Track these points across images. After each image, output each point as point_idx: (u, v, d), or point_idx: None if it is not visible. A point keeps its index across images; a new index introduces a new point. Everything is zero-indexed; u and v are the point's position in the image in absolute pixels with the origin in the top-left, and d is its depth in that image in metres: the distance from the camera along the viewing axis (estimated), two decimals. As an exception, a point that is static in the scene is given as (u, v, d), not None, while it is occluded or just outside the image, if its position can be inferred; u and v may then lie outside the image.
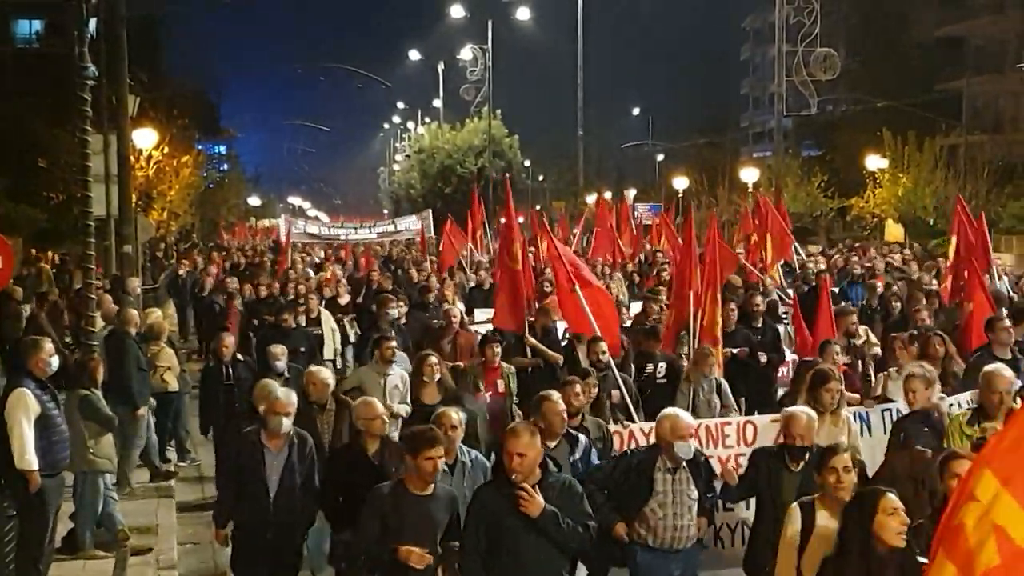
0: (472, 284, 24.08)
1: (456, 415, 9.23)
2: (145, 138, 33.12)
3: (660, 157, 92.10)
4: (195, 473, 16.17)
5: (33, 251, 37.85)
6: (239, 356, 14.96)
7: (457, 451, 9.12)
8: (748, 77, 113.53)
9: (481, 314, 19.78)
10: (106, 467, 12.44)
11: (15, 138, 42.92)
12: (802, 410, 9.28)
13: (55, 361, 11.10)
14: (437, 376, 12.75)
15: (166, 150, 40.13)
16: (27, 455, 10.49)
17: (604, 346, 13.07)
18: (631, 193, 69.59)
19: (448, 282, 22.62)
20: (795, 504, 7.66)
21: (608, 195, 77.42)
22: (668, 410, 9.44)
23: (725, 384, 13.31)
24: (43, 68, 47.80)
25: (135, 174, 31.26)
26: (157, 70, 55.18)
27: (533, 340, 15.22)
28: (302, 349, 16.29)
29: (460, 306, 19.76)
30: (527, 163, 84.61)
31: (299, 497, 9.47)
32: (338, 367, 20.47)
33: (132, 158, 28.80)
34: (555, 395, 9.86)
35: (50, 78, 43.06)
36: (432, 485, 8.12)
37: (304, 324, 18.06)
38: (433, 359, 12.84)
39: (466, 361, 15.15)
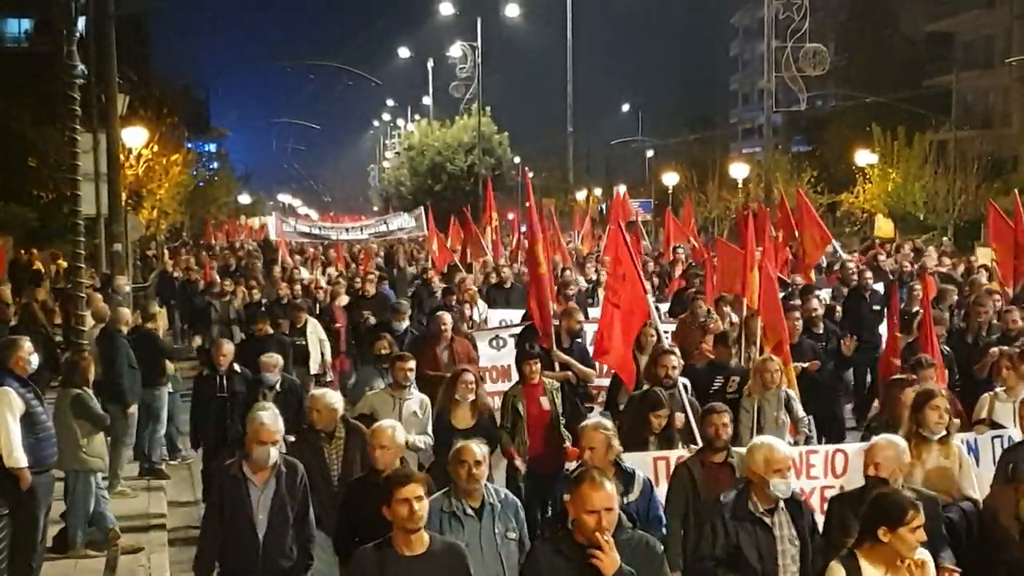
0: (486, 283, 22.39)
1: (479, 449, 7.88)
2: (135, 136, 33.01)
3: (650, 153, 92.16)
4: (187, 472, 16.15)
5: (31, 250, 37.73)
6: (235, 367, 13.75)
7: (483, 491, 7.83)
8: (737, 73, 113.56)
9: (501, 315, 18.74)
10: (98, 466, 12.45)
11: (4, 137, 42.90)
12: (888, 438, 8.10)
13: (35, 359, 11.18)
14: (471, 396, 11.30)
15: (156, 148, 40.01)
16: (15, 453, 10.52)
17: (674, 360, 11.43)
18: (621, 189, 69.65)
19: (468, 283, 20.96)
20: (836, 562, 6.69)
21: (598, 192, 77.68)
22: (762, 438, 8.17)
23: (794, 396, 11.66)
24: (32, 67, 47.70)
25: (125, 172, 31.20)
26: (146, 69, 55.14)
27: (563, 355, 13.72)
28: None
29: (483, 306, 18.97)
30: (517, 160, 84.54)
31: (292, 537, 8.42)
32: (324, 380, 20.16)
33: (121, 156, 28.76)
34: (591, 424, 8.60)
35: (39, 77, 43.00)
36: (425, 540, 6.76)
37: (287, 333, 17.23)
38: (469, 376, 11.38)
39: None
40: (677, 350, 11.91)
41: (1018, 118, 60.25)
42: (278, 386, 12.62)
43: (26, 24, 62.67)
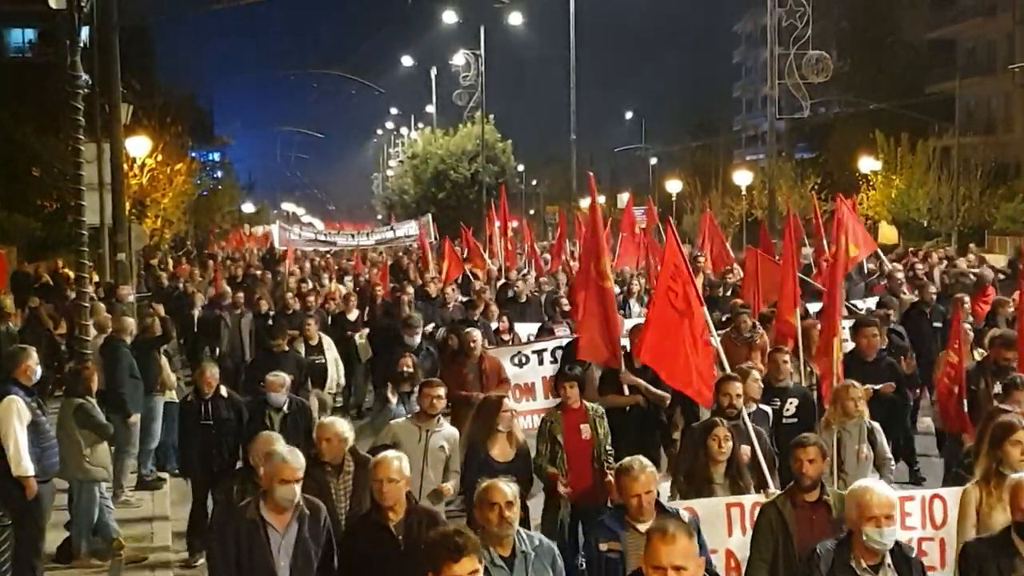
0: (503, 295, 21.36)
1: (509, 488, 7.06)
2: (138, 146, 33.06)
3: (653, 161, 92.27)
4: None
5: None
6: (222, 391, 12.76)
7: (515, 538, 7.01)
8: (740, 80, 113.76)
9: (525, 331, 17.84)
10: (101, 475, 12.46)
11: (7, 147, 42.97)
12: None
13: (40, 369, 11.26)
14: (511, 427, 10.23)
15: (159, 158, 40.12)
16: (23, 461, 10.61)
17: (739, 387, 10.04)
18: (624, 196, 69.62)
19: (486, 296, 20.07)
20: None
21: (602, 199, 77.72)
22: (862, 482, 7.30)
23: (879, 430, 10.30)
24: (36, 77, 47.79)
25: (129, 182, 31.24)
26: (149, 78, 55.22)
27: (632, 376, 12.32)
28: (291, 378, 13.78)
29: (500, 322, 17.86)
30: (520, 168, 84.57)
31: None
32: (338, 402, 19.25)
33: (125, 166, 28.79)
34: (636, 465, 7.62)
35: (43, 87, 43.07)
36: None
37: (303, 351, 16.46)
38: (509, 403, 10.34)
39: (494, 389, 13.02)
40: (738, 377, 10.40)
41: (1021, 124, 60.25)
42: (285, 408, 11.80)
43: (30, 34, 62.83)
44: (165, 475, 15.98)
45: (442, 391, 10.41)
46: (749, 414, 10.24)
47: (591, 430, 10.80)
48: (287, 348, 15.61)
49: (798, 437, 8.45)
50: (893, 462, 10.39)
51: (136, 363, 15.20)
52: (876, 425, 10.30)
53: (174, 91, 57.15)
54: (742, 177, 55.96)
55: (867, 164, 52.24)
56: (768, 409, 11.03)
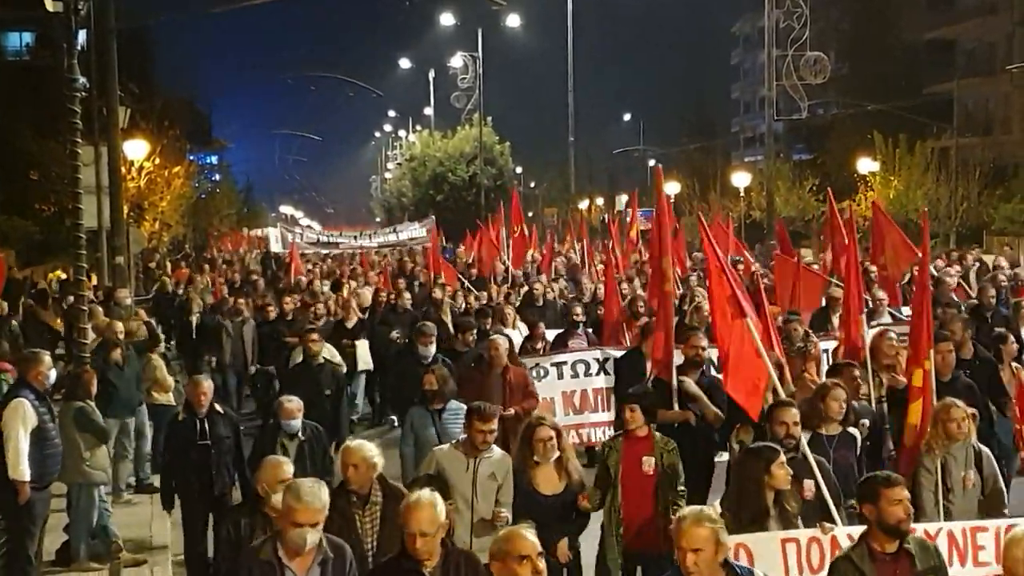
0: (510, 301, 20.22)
1: (535, 538, 6.33)
2: (136, 149, 33.11)
3: (652, 162, 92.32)
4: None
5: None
6: (217, 407, 11.72)
7: None
8: (739, 82, 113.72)
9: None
10: (101, 479, 12.46)
11: (5, 151, 43.03)
12: None
13: (53, 374, 11.31)
14: (555, 453, 9.13)
15: (157, 161, 40.12)
16: (20, 466, 10.65)
17: (796, 414, 8.90)
18: (623, 199, 69.61)
19: (505, 301, 19.21)
20: None
21: (600, 201, 77.83)
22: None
23: (988, 454, 9.15)
24: (33, 80, 47.87)
25: (126, 185, 31.29)
26: (147, 81, 55.22)
27: (694, 387, 11.16)
28: (328, 392, 13.53)
29: (523, 328, 16.88)
30: (519, 170, 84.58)
31: None
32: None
33: (123, 169, 28.81)
34: (691, 516, 6.41)
35: (40, 90, 43.15)
36: None
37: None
38: (546, 431, 9.14)
39: (519, 404, 12.32)
40: (794, 403, 9.28)
41: (1019, 125, 60.19)
42: (300, 434, 10.72)
43: (27, 37, 62.78)
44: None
45: (493, 426, 9.10)
46: (833, 437, 9.43)
47: (657, 464, 9.45)
48: (322, 360, 14.22)
49: (884, 474, 7.39)
50: (1006, 494, 9.23)
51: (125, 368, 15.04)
52: (985, 449, 9.16)
53: (172, 94, 57.23)
54: (740, 179, 55.99)
55: (865, 165, 52.18)
56: (856, 432, 9.75)
